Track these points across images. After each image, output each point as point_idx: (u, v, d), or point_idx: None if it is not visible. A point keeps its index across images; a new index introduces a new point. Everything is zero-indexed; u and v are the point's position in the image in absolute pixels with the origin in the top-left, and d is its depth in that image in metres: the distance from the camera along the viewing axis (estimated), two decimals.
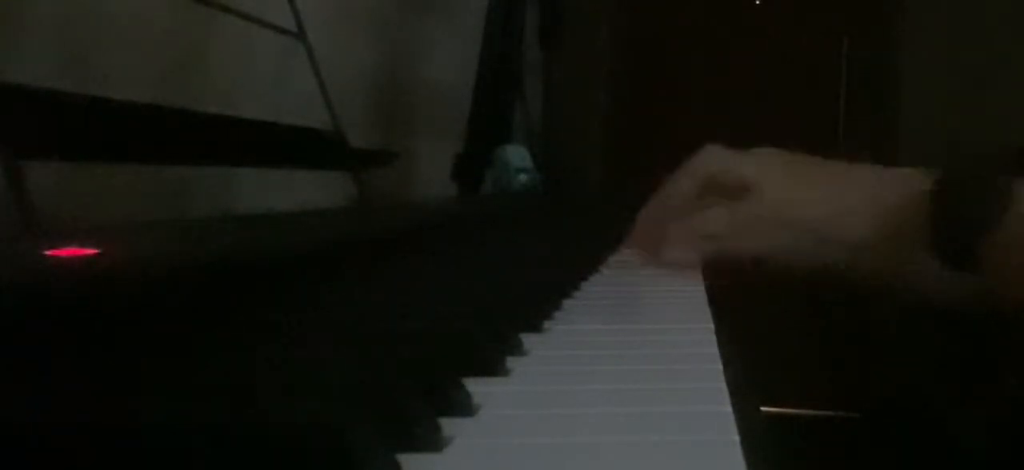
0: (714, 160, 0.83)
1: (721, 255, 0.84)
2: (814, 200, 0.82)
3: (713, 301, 0.75)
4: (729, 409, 0.40)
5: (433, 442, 0.34)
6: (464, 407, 0.40)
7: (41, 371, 0.34)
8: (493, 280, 0.79)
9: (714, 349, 0.55)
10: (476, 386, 0.42)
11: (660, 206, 0.86)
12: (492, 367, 0.47)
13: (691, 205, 0.84)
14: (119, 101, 0.67)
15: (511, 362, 0.49)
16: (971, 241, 0.75)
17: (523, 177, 1.42)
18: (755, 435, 0.37)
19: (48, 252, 0.40)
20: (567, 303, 0.73)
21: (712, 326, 0.63)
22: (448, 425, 0.36)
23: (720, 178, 0.82)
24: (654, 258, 0.86)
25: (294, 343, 0.47)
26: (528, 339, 0.55)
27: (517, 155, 1.45)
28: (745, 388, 0.46)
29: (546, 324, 0.62)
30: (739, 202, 0.82)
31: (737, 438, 0.36)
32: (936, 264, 0.77)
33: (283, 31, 0.96)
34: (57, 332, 0.36)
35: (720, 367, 0.49)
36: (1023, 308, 0.75)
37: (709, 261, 0.85)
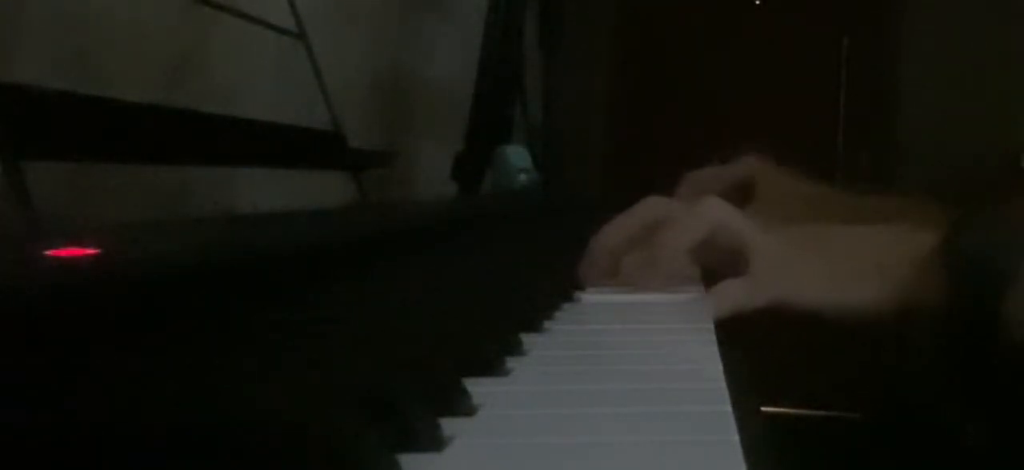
0: (715, 216, 0.79)
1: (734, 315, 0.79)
2: (819, 273, 0.79)
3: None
4: (729, 409, 0.40)
5: (433, 442, 0.34)
6: (464, 407, 0.40)
7: (41, 371, 0.34)
8: (493, 280, 0.79)
9: (714, 349, 0.55)
10: (476, 386, 0.42)
11: (645, 235, 0.82)
12: (492, 367, 0.47)
13: (691, 254, 0.81)
14: (119, 101, 0.67)
15: (511, 362, 0.49)
16: (993, 295, 0.71)
17: (523, 177, 1.42)
18: (755, 435, 0.37)
19: (48, 252, 0.40)
20: (567, 303, 0.73)
21: (712, 326, 0.63)
22: (448, 425, 0.36)
23: (718, 239, 0.79)
24: (634, 279, 0.82)
25: (294, 343, 0.47)
26: (528, 339, 0.55)
27: (517, 155, 1.44)
28: (745, 388, 0.46)
29: (546, 324, 0.62)
30: (745, 278, 0.78)
31: (737, 438, 0.36)
32: (950, 323, 0.74)
33: (283, 31, 0.96)
34: (57, 332, 0.36)
35: (720, 367, 0.49)
36: None
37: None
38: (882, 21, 2.94)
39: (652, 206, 0.84)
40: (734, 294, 0.77)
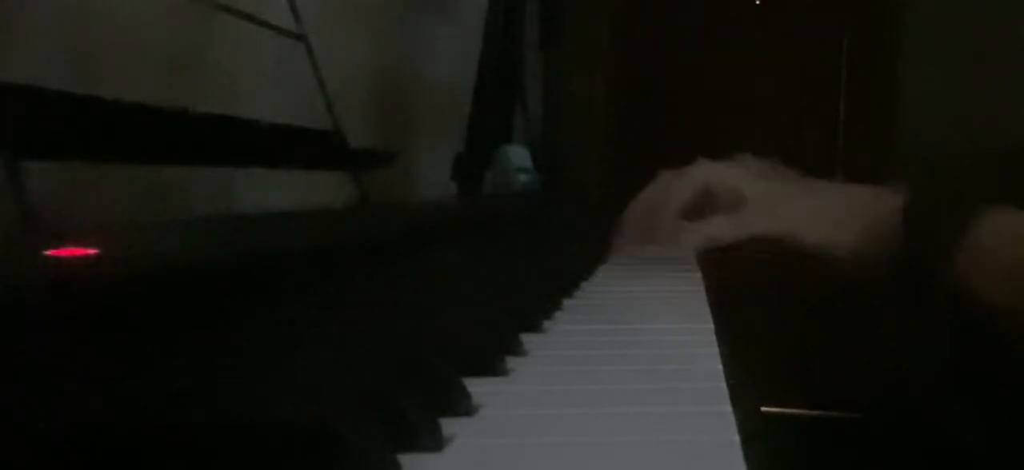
0: (709, 171, 0.92)
1: (718, 246, 0.92)
2: (799, 217, 0.90)
3: (713, 301, 0.75)
4: (729, 409, 0.40)
5: (433, 442, 0.34)
6: (464, 407, 0.40)
7: (41, 371, 0.34)
8: (493, 280, 0.79)
9: (714, 349, 0.55)
10: (476, 386, 0.42)
11: (653, 204, 0.93)
12: (492, 367, 0.47)
13: (685, 210, 0.92)
14: (119, 101, 0.67)
15: (511, 362, 0.49)
16: (938, 257, 0.80)
17: (523, 177, 1.42)
18: (755, 435, 0.37)
19: (48, 252, 0.40)
20: (567, 303, 0.73)
21: (712, 326, 0.63)
22: (448, 425, 0.36)
23: (714, 188, 0.90)
24: (650, 243, 0.95)
25: (294, 343, 0.47)
26: (528, 339, 0.55)
27: (517, 155, 1.44)
28: (745, 388, 0.46)
29: (546, 324, 0.62)
30: (735, 213, 0.90)
31: (737, 438, 0.36)
32: (909, 279, 0.84)
33: (283, 31, 0.96)
34: (57, 332, 0.36)
35: (720, 367, 0.49)
36: (992, 318, 0.81)
37: (707, 252, 0.94)
38: (882, 21, 2.93)
39: (664, 179, 0.95)
40: (723, 225, 0.89)
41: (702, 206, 0.92)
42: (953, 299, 0.82)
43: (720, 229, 0.88)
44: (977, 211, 0.80)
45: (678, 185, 0.93)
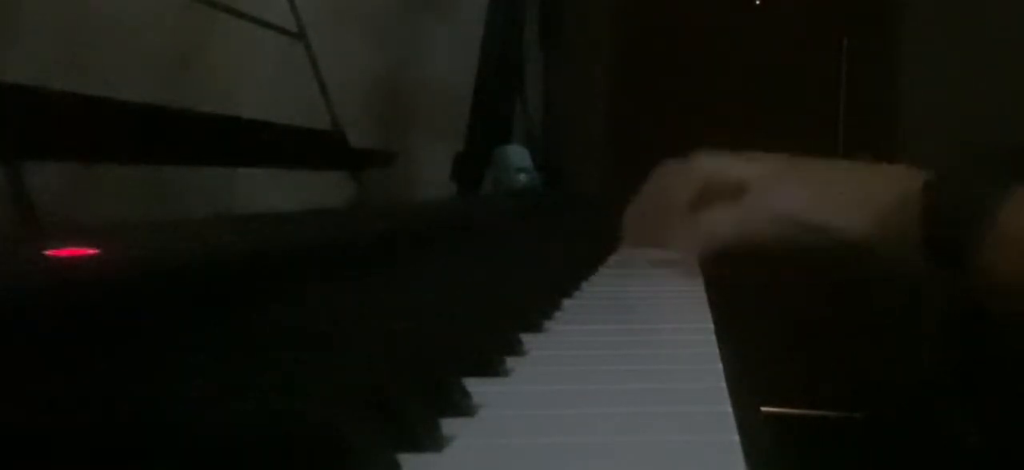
0: (710, 163, 0.86)
1: (723, 251, 0.86)
2: (809, 196, 0.84)
3: (713, 301, 0.75)
4: (729, 409, 0.40)
5: (433, 442, 0.34)
6: (464, 407, 0.40)
7: (41, 371, 0.34)
8: (493, 280, 0.79)
9: (714, 349, 0.55)
10: (476, 386, 0.42)
11: (654, 202, 0.90)
12: (492, 367, 0.47)
13: (690, 205, 0.87)
14: (119, 101, 0.67)
15: (511, 362, 0.49)
16: (960, 241, 0.75)
17: (523, 177, 1.42)
18: (755, 435, 0.37)
19: (48, 252, 0.40)
20: (567, 303, 0.73)
21: (712, 326, 0.63)
22: (448, 425, 0.36)
23: (716, 180, 0.85)
24: (654, 247, 0.90)
25: (294, 343, 0.47)
26: (528, 339, 0.55)
27: (517, 155, 1.44)
28: (745, 388, 0.46)
29: (546, 324, 0.62)
30: (738, 201, 0.84)
31: (737, 438, 0.36)
32: (927, 262, 0.78)
33: (283, 31, 0.96)
34: (57, 332, 0.36)
35: (720, 367, 0.49)
36: (1010, 309, 0.76)
37: (712, 257, 0.87)
38: (882, 21, 2.93)
39: (665, 171, 0.91)
40: (722, 221, 0.84)
41: (705, 201, 0.87)
42: (975, 286, 0.76)
43: (724, 226, 0.83)
44: (1004, 192, 0.75)
45: (679, 183, 0.88)
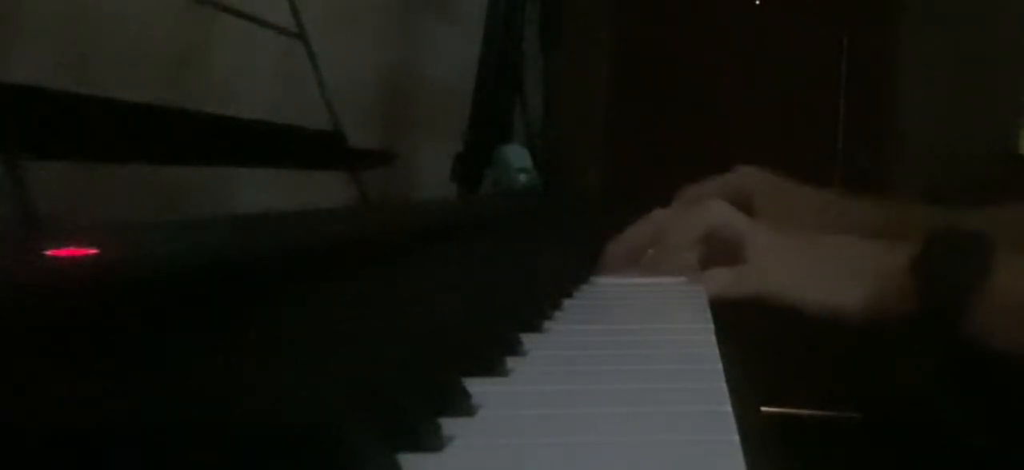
0: (716, 214, 0.88)
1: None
2: (803, 273, 0.87)
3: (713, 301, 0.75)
4: (729, 409, 0.40)
5: (433, 442, 0.34)
6: (464, 407, 0.40)
7: (41, 371, 0.34)
8: (493, 280, 0.79)
9: (714, 349, 0.55)
10: (476, 386, 0.42)
11: (650, 237, 0.92)
12: (492, 367, 0.47)
13: (689, 251, 0.90)
14: (119, 101, 0.67)
15: (511, 362, 0.49)
16: (952, 314, 0.78)
17: (523, 177, 1.42)
18: (755, 435, 0.37)
19: (48, 252, 0.40)
20: (567, 303, 0.73)
21: (712, 326, 0.63)
22: (448, 425, 0.36)
23: (719, 234, 0.87)
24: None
25: (294, 343, 0.47)
26: (528, 339, 0.55)
27: (517, 155, 1.44)
28: (745, 388, 0.46)
29: (546, 324, 0.62)
30: (736, 268, 0.86)
31: (737, 438, 0.36)
32: (924, 330, 0.82)
33: (283, 31, 0.96)
34: (57, 332, 0.36)
35: (720, 367, 0.49)
36: (1011, 356, 0.80)
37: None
38: (882, 21, 2.93)
39: (656, 218, 0.94)
40: (721, 279, 0.85)
41: (703, 251, 0.90)
42: (972, 349, 0.79)
43: (719, 284, 0.85)
44: (993, 258, 0.78)
45: (690, 220, 0.90)
